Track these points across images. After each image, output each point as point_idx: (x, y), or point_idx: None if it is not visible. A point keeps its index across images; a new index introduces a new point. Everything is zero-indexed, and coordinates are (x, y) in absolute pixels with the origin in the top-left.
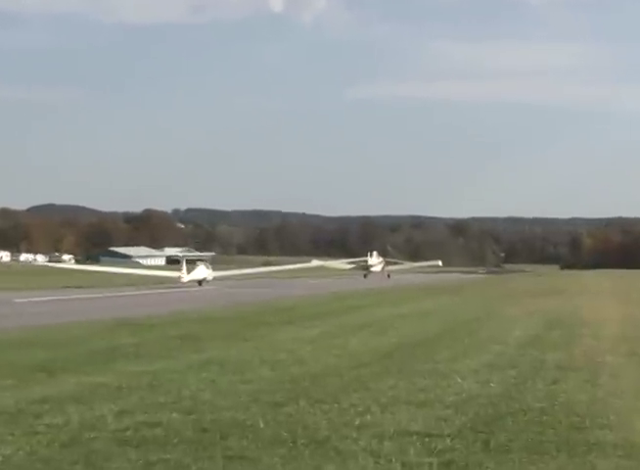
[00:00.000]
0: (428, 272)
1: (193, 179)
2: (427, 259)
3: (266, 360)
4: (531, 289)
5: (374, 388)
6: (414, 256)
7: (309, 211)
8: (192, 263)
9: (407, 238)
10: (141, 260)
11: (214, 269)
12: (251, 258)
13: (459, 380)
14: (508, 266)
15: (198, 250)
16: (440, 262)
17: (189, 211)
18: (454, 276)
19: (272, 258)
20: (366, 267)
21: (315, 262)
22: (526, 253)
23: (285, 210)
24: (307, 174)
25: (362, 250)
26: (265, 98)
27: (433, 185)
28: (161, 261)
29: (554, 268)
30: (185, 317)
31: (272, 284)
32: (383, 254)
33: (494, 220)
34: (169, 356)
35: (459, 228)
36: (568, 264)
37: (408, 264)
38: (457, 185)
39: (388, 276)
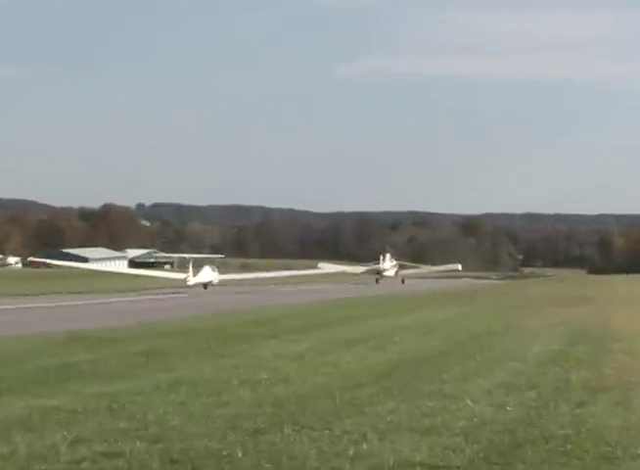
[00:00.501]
0: (436, 277)
1: (160, 169)
2: (433, 262)
3: (246, 380)
4: (554, 296)
5: (371, 412)
6: (417, 258)
7: (297, 207)
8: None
9: (410, 237)
10: (99, 264)
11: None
12: (227, 260)
13: (470, 403)
14: (526, 270)
15: (165, 251)
16: (460, 266)
17: (155, 206)
18: (464, 282)
19: (251, 261)
20: (378, 272)
21: (327, 267)
22: (548, 254)
23: (268, 205)
24: (294, 164)
25: (356, 251)
26: (245, 77)
27: (438, 176)
28: (123, 265)
29: (580, 272)
30: (153, 330)
31: (273, 291)
32: (391, 256)
33: (510, 217)
34: (132, 376)
35: (469, 226)
36: (596, 268)
37: (425, 268)
38: (466, 176)
39: (403, 281)
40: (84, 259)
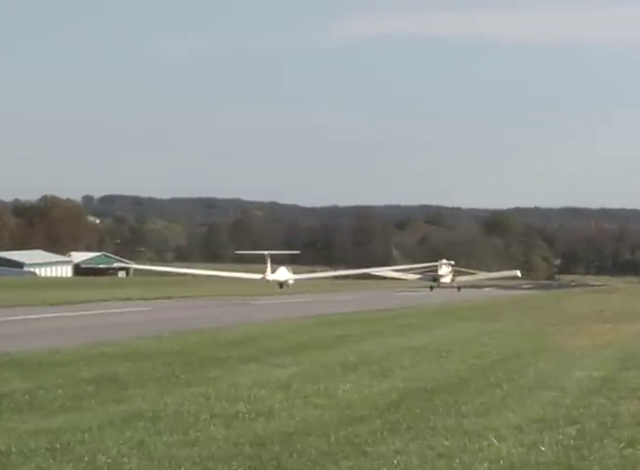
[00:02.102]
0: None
1: (112, 154)
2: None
3: (219, 413)
4: (599, 311)
5: (373, 453)
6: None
7: (281, 200)
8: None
9: (421, 237)
10: (38, 270)
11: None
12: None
13: (495, 441)
14: (565, 278)
15: (120, 254)
16: (519, 273)
17: (107, 199)
18: (488, 292)
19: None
20: (435, 278)
21: (378, 271)
22: (592, 259)
23: (246, 197)
24: (278, 148)
25: (355, 254)
26: (209, 42)
27: (455, 163)
28: (67, 272)
29: (633, 281)
30: (106, 351)
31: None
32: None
33: (545, 213)
34: (79, 408)
35: (494, 223)
36: None
37: (482, 275)
38: (491, 163)
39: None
40: (19, 265)
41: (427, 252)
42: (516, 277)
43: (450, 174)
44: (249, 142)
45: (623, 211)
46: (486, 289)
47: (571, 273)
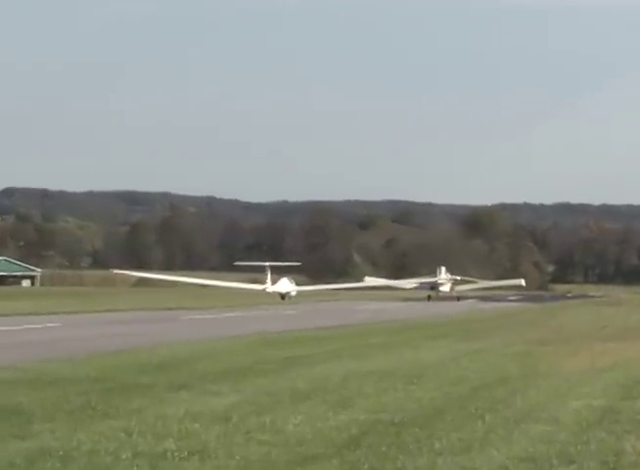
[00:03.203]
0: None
1: (14, 139)
2: (421, 274)
3: (143, 452)
4: (601, 328)
5: None
6: (399, 268)
7: (219, 195)
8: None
9: (388, 239)
10: None
11: None
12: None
13: None
14: (560, 288)
15: (24, 259)
16: (524, 282)
17: (6, 192)
18: (468, 305)
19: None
20: (433, 287)
21: (373, 281)
22: (591, 265)
23: (176, 191)
24: (215, 134)
25: (308, 259)
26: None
27: (428, 151)
28: None
29: (639, 292)
30: (5, 377)
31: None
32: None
33: (536, 209)
34: None
35: (475, 222)
36: None
37: (484, 283)
38: (471, 151)
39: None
40: None
41: (394, 256)
42: (521, 286)
43: (422, 164)
44: (180, 128)
45: (628, 207)
46: (467, 301)
47: (566, 282)
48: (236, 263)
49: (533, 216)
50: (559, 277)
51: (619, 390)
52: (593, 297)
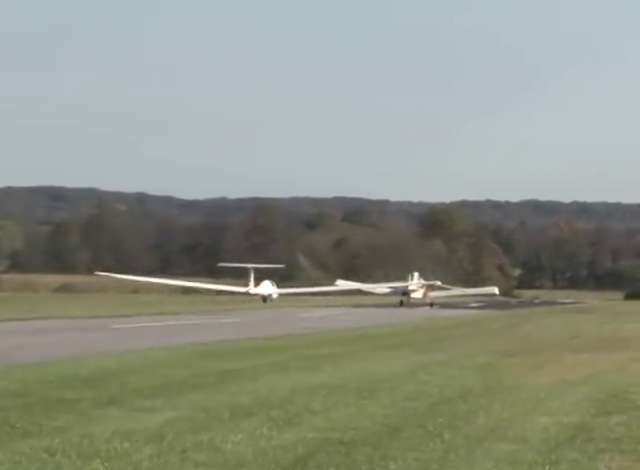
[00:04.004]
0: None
1: None
2: (374, 278)
3: None
4: (571, 337)
5: None
6: (349, 271)
7: (151, 191)
8: None
9: (338, 239)
10: None
11: None
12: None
13: None
14: (527, 293)
15: None
16: (497, 290)
17: None
18: (426, 312)
19: (75, 279)
20: (405, 293)
21: (344, 285)
22: (562, 268)
23: (104, 187)
24: (147, 125)
25: (250, 261)
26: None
27: (382, 143)
28: None
29: (614, 298)
30: None
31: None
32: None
33: (501, 207)
34: None
35: (433, 221)
36: None
37: (458, 290)
38: (429, 143)
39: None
40: None
41: (344, 258)
42: (494, 294)
43: (376, 158)
44: (100, 110)
45: (603, 205)
46: (423, 308)
47: (534, 287)
48: (220, 264)
49: (498, 215)
50: (526, 282)
51: (593, 405)
52: (563, 303)
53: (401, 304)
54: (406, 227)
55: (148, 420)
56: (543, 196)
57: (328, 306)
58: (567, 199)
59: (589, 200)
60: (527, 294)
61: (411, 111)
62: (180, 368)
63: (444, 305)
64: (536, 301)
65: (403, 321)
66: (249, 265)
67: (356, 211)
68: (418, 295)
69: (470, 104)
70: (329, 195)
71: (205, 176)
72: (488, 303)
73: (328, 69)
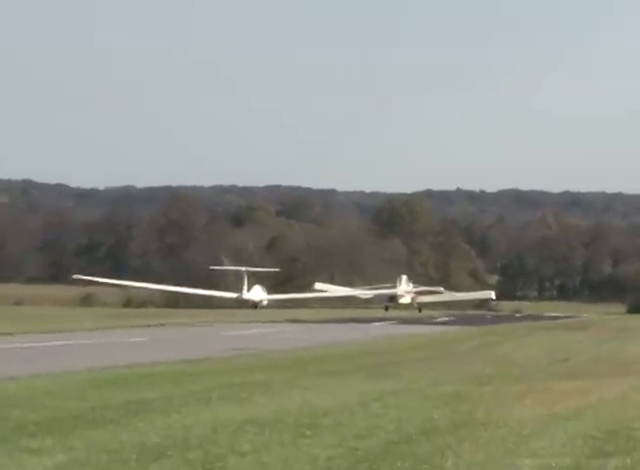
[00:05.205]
0: (316, 321)
1: None
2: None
3: None
4: (561, 360)
5: None
6: (285, 279)
7: (40, 178)
8: None
9: (273, 238)
10: None
11: None
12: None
13: None
14: (506, 306)
15: None
16: (494, 295)
17: None
18: (381, 328)
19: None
20: (391, 297)
21: (325, 288)
22: (549, 274)
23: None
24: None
25: (161, 265)
26: None
27: (330, 124)
28: None
29: (614, 311)
30: None
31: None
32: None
33: (475, 199)
34: None
35: (391, 215)
36: None
37: (449, 295)
38: (385, 123)
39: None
40: None
41: (280, 262)
42: (491, 300)
43: (320, 139)
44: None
45: (601, 196)
46: (377, 324)
47: (515, 298)
48: (212, 268)
49: (471, 208)
50: (505, 291)
51: (588, 444)
52: (552, 318)
53: (387, 309)
54: (357, 223)
55: (35, 464)
56: (526, 185)
57: (258, 322)
58: (555, 188)
59: (583, 189)
60: (507, 306)
61: (361, 84)
62: (74, 399)
63: (406, 321)
64: (518, 315)
65: (354, 340)
66: (242, 269)
67: (295, 204)
68: (406, 300)
69: (438, 73)
70: (260, 183)
71: (107, 160)
72: (459, 317)
73: (260, 39)
